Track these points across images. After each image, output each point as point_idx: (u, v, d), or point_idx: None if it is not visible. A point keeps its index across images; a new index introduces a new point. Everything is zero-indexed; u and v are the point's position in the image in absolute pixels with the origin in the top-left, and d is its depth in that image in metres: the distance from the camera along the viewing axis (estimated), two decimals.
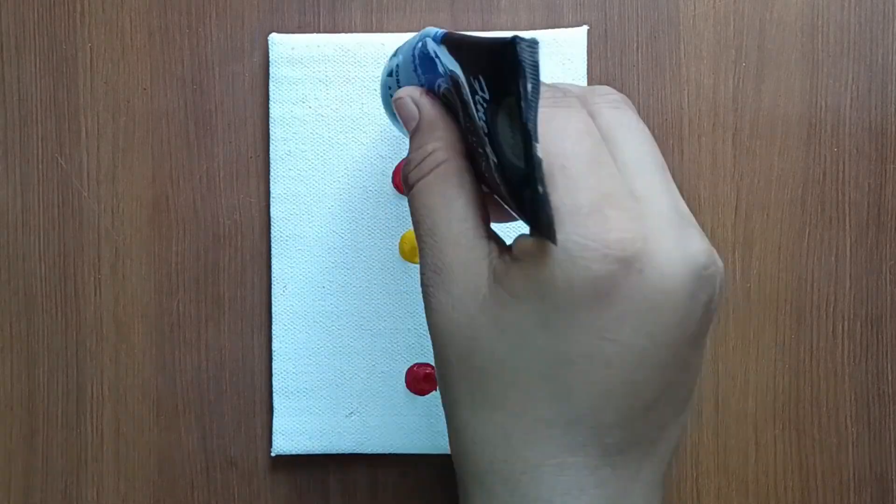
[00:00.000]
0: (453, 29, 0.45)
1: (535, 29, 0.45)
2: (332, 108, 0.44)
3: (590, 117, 0.29)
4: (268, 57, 0.45)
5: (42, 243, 0.45)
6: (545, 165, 0.26)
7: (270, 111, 0.44)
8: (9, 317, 0.45)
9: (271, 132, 0.44)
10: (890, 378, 0.46)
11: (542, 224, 0.27)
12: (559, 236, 0.26)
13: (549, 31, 0.44)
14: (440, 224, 0.30)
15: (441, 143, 0.31)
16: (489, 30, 0.45)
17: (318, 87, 0.44)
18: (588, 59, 0.45)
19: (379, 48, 0.44)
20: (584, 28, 0.44)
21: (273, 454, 0.45)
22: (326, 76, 0.44)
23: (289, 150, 0.44)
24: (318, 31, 0.45)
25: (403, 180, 0.32)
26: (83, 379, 0.46)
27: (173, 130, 0.46)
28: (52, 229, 0.45)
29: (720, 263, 0.28)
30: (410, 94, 0.33)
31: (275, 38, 0.44)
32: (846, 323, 0.46)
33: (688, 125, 0.46)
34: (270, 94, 0.44)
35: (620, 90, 0.45)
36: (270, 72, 0.44)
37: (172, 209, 0.45)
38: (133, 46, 0.45)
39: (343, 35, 0.44)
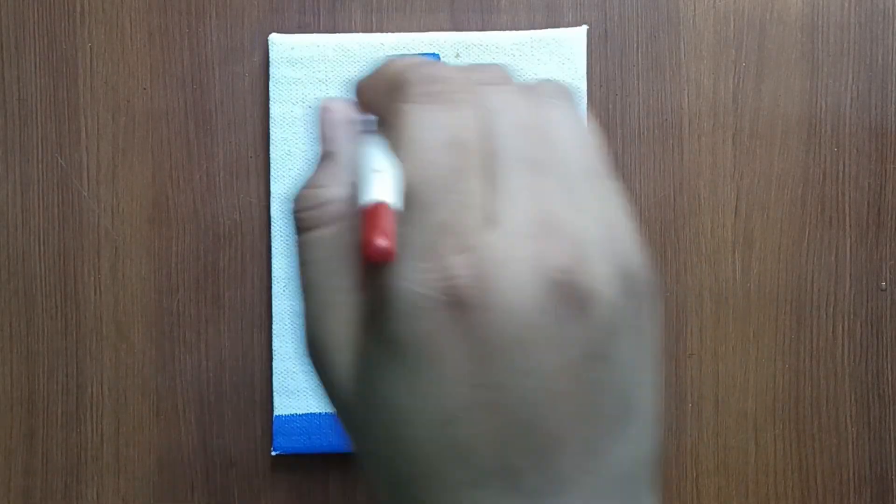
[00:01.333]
0: (453, 29, 0.45)
1: (535, 29, 0.45)
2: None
3: (475, 113, 0.26)
4: (268, 57, 0.45)
5: (42, 243, 0.45)
6: (408, 183, 0.25)
7: (270, 111, 0.44)
8: (9, 316, 0.45)
9: (271, 132, 0.44)
10: (889, 378, 0.46)
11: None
12: (394, 282, 0.24)
13: (549, 31, 0.44)
14: (325, 290, 0.27)
15: (345, 190, 0.28)
16: (489, 29, 0.45)
17: (318, 88, 0.44)
18: (588, 59, 0.45)
19: (379, 48, 0.44)
20: (584, 28, 0.44)
21: (273, 453, 0.45)
22: (326, 76, 0.44)
23: (289, 150, 0.44)
24: (318, 32, 0.45)
25: (294, 210, 0.29)
26: (83, 378, 0.46)
27: (173, 130, 0.46)
28: (52, 229, 0.45)
29: (593, 266, 0.25)
30: (344, 114, 0.30)
31: (275, 39, 0.44)
32: (846, 323, 0.46)
33: (688, 125, 0.46)
34: (270, 94, 0.44)
35: (620, 90, 0.45)
36: (270, 72, 0.44)
37: (172, 209, 0.45)
38: (133, 46, 0.45)
39: (343, 35, 0.44)
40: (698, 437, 0.45)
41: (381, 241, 0.23)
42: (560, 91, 0.28)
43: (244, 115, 0.46)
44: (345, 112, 0.30)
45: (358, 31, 0.45)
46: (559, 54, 0.44)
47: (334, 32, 0.45)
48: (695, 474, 0.45)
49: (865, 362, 0.46)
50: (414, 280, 0.24)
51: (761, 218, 0.46)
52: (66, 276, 0.46)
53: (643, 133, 0.45)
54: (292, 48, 0.44)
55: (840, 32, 0.46)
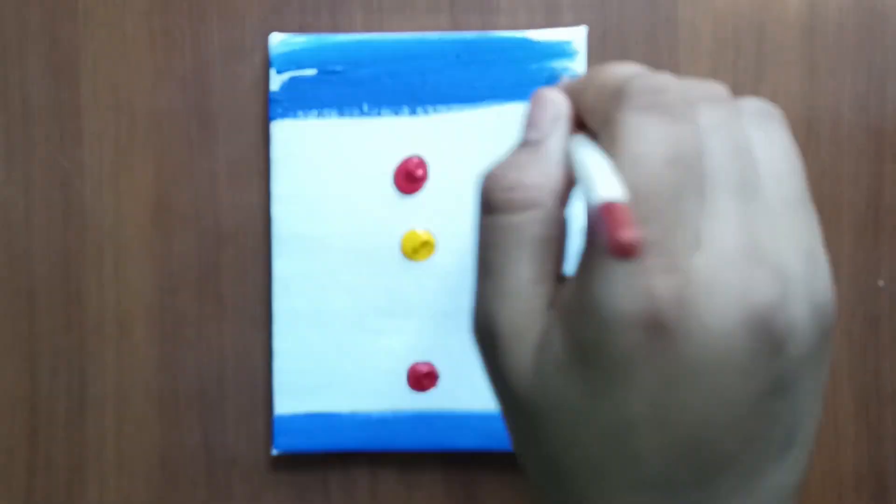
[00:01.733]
0: (453, 29, 0.46)
1: (535, 29, 0.45)
2: (332, 108, 0.44)
3: (693, 128, 0.25)
4: (268, 57, 0.45)
5: (44, 243, 0.46)
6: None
7: (271, 111, 0.45)
8: (11, 316, 0.46)
9: (272, 132, 0.45)
10: (888, 377, 0.46)
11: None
12: (598, 292, 0.24)
13: (549, 30, 0.44)
14: (509, 277, 0.27)
15: (545, 180, 0.27)
16: (489, 29, 0.45)
17: (319, 88, 0.44)
18: (588, 59, 0.45)
19: (379, 48, 0.44)
20: (584, 28, 0.45)
21: (274, 452, 0.45)
22: (326, 77, 0.44)
23: (290, 151, 0.44)
24: (319, 32, 0.45)
25: (486, 189, 0.28)
26: (85, 378, 0.46)
27: (175, 130, 0.46)
28: (55, 229, 0.46)
29: (794, 303, 0.25)
30: (559, 106, 0.29)
31: (276, 39, 0.44)
32: (844, 321, 0.46)
33: None
34: (271, 94, 0.45)
35: None
36: (270, 72, 0.45)
37: (174, 209, 0.46)
38: (134, 47, 0.46)
39: (344, 35, 0.45)
40: None
41: (630, 234, 0.23)
42: (769, 112, 0.28)
43: (245, 115, 0.46)
44: (560, 104, 0.29)
45: (359, 31, 0.45)
46: (559, 54, 0.44)
47: (335, 32, 0.45)
48: None
49: (863, 361, 0.46)
50: (618, 294, 0.24)
51: None
52: (69, 276, 0.46)
53: None
54: (292, 48, 0.44)
55: (839, 33, 0.46)
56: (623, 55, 0.45)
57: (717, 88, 0.27)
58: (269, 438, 0.46)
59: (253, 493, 0.46)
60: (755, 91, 0.46)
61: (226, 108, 0.46)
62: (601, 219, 0.23)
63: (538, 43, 0.44)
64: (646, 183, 0.24)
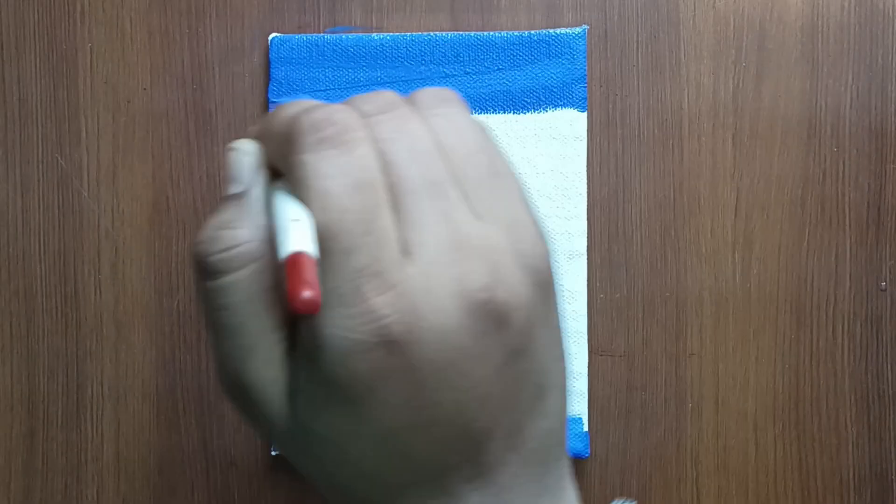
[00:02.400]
0: (453, 29, 0.45)
1: (535, 29, 0.45)
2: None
3: (370, 148, 0.26)
4: (268, 57, 0.45)
5: (42, 243, 0.45)
6: (322, 233, 0.25)
7: (270, 111, 0.44)
8: (9, 317, 0.46)
9: None
10: (889, 378, 0.46)
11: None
12: (325, 330, 0.25)
13: (549, 31, 0.44)
14: (246, 334, 0.27)
15: (256, 232, 0.27)
16: (489, 29, 0.45)
17: (317, 88, 0.44)
18: (588, 59, 0.45)
19: (378, 49, 0.44)
20: (584, 28, 0.44)
21: (273, 454, 0.45)
22: (326, 77, 0.44)
23: None
24: (318, 32, 0.45)
25: (200, 255, 0.27)
26: (83, 379, 0.46)
27: (173, 130, 0.46)
28: (53, 229, 0.45)
29: (507, 276, 0.26)
30: (254, 156, 0.29)
31: (275, 39, 0.44)
32: (846, 323, 0.46)
33: (688, 125, 0.46)
34: (270, 94, 0.44)
35: (620, 90, 0.45)
36: (270, 72, 0.44)
37: (172, 209, 0.45)
38: (133, 46, 0.46)
39: (343, 35, 0.44)
40: (698, 438, 0.45)
41: (307, 293, 0.23)
42: (442, 97, 0.28)
43: (244, 115, 0.46)
44: (254, 154, 0.29)
45: (358, 31, 0.45)
46: (559, 54, 0.44)
47: (334, 32, 0.45)
48: (695, 474, 0.45)
49: (865, 362, 0.46)
50: (344, 326, 0.25)
51: (761, 218, 0.46)
52: (67, 277, 0.46)
53: (643, 133, 0.45)
54: (292, 48, 0.44)
55: (840, 33, 0.46)
56: (623, 55, 0.45)
57: (386, 96, 0.28)
58: (269, 440, 0.46)
59: (252, 495, 0.46)
60: (757, 90, 0.45)
61: (225, 107, 0.46)
62: (285, 275, 0.24)
63: (538, 43, 0.44)
64: (337, 216, 0.25)
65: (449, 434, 0.26)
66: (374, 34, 0.44)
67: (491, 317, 0.26)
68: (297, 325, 0.27)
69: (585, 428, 0.44)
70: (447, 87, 0.29)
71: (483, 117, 0.44)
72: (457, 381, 0.26)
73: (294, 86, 0.44)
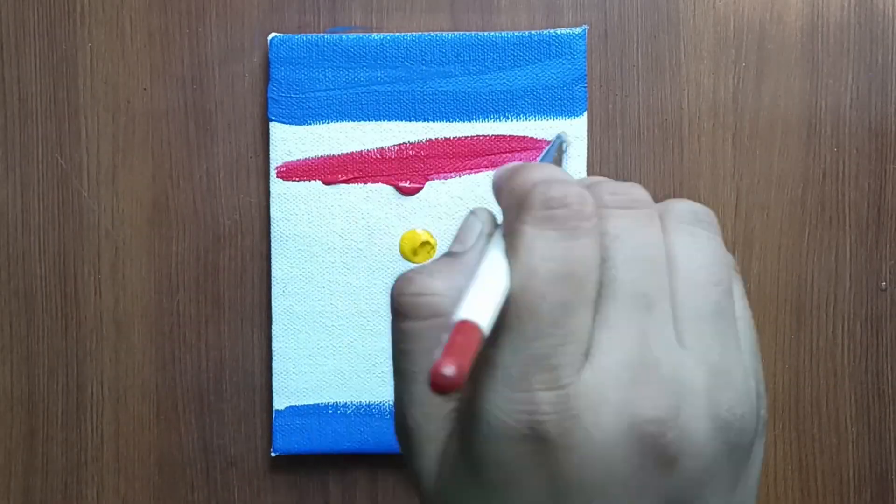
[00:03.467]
0: (453, 29, 0.45)
1: (535, 29, 0.45)
2: (331, 109, 0.44)
3: (594, 240, 0.25)
4: (268, 57, 0.45)
5: (42, 243, 0.45)
6: (511, 307, 0.24)
7: (270, 111, 0.44)
8: (9, 317, 0.45)
9: (271, 132, 0.44)
10: (890, 378, 0.46)
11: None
12: (483, 405, 0.24)
13: (549, 31, 0.44)
14: (417, 385, 0.27)
15: (454, 289, 0.27)
16: (489, 29, 0.45)
17: (318, 88, 0.44)
18: (588, 59, 0.45)
19: (378, 49, 0.44)
20: (584, 28, 0.44)
21: (273, 454, 0.45)
22: (326, 76, 0.44)
23: (288, 151, 0.44)
24: (318, 32, 0.45)
25: (394, 293, 0.28)
26: (83, 379, 0.46)
27: (173, 130, 0.46)
28: (52, 229, 0.45)
29: (687, 419, 0.24)
30: (486, 224, 0.29)
31: (275, 39, 0.44)
32: (846, 323, 0.46)
33: (688, 125, 0.46)
34: (270, 94, 0.44)
35: (620, 90, 0.45)
36: (270, 72, 0.44)
37: (172, 209, 0.45)
38: (133, 46, 0.45)
39: (343, 35, 0.44)
40: None
41: (450, 370, 0.22)
42: (697, 216, 0.27)
43: (244, 115, 0.46)
44: (486, 222, 0.29)
45: (358, 31, 0.45)
46: (559, 54, 0.44)
47: (334, 32, 0.45)
48: None
49: (865, 362, 0.46)
50: (502, 408, 0.24)
51: (761, 218, 0.46)
52: (66, 277, 0.46)
53: (643, 133, 0.45)
54: (292, 48, 0.44)
55: (840, 33, 0.46)
56: (623, 55, 0.45)
57: (636, 192, 0.27)
58: (268, 439, 0.45)
59: (252, 495, 0.46)
60: (757, 90, 0.45)
61: (224, 107, 0.46)
62: (443, 345, 0.23)
63: (538, 43, 0.44)
64: (534, 299, 0.24)
65: None
66: (373, 34, 0.44)
67: (655, 453, 0.24)
68: (465, 388, 0.26)
69: None
70: (709, 210, 0.27)
71: (479, 124, 0.44)
72: (604, 500, 0.24)
73: (294, 86, 0.44)
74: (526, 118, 0.44)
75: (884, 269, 0.46)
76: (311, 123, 0.44)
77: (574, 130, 0.44)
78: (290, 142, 0.44)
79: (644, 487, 0.24)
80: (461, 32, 0.44)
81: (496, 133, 0.44)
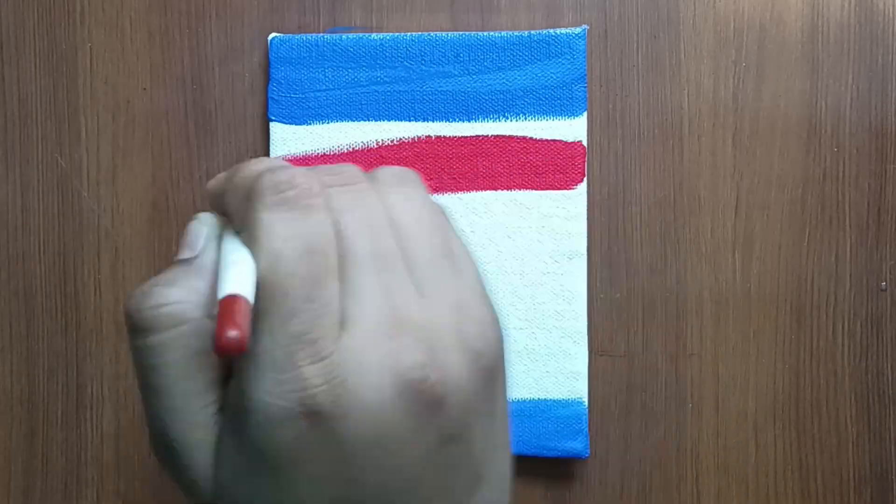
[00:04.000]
0: (453, 29, 0.45)
1: (535, 29, 0.45)
2: (331, 108, 0.44)
3: (326, 216, 0.26)
4: (268, 57, 0.45)
5: (42, 243, 0.45)
6: (262, 293, 0.25)
7: (270, 111, 0.44)
8: (8, 317, 0.46)
9: (271, 132, 0.44)
10: (890, 378, 0.46)
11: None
12: (253, 394, 0.25)
13: (549, 31, 0.44)
14: (174, 395, 0.27)
15: (193, 294, 0.27)
16: (489, 29, 0.45)
17: (317, 88, 0.44)
18: (588, 59, 0.45)
19: (378, 49, 0.44)
20: (584, 28, 0.44)
21: None
22: (326, 76, 0.44)
23: (288, 151, 0.44)
24: (318, 32, 0.45)
25: (130, 311, 0.27)
26: (83, 378, 0.46)
27: (173, 130, 0.46)
28: (52, 229, 0.45)
29: (444, 358, 0.25)
30: (211, 227, 0.29)
31: (275, 39, 0.44)
32: (846, 323, 0.46)
33: (688, 125, 0.46)
34: (270, 94, 0.44)
35: (620, 90, 0.45)
36: (270, 72, 0.44)
37: (172, 209, 0.45)
38: (133, 46, 0.46)
39: (343, 35, 0.44)
40: (698, 438, 0.45)
41: (233, 333, 0.23)
42: (402, 176, 0.28)
43: (244, 115, 0.46)
44: (212, 226, 0.29)
45: (358, 31, 0.45)
46: (559, 54, 0.44)
47: (334, 32, 0.45)
48: (695, 474, 0.45)
49: (866, 362, 0.46)
50: (272, 392, 0.24)
51: (761, 218, 0.46)
52: (66, 277, 0.46)
53: (643, 133, 0.45)
54: (292, 48, 0.44)
55: (840, 33, 0.46)
56: (623, 55, 0.45)
57: (349, 170, 0.28)
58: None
59: None
60: (757, 90, 0.45)
61: (224, 107, 0.46)
62: (218, 316, 0.24)
63: (538, 43, 0.44)
64: (282, 279, 0.25)
65: None
66: (373, 34, 0.44)
67: (423, 398, 0.25)
68: (228, 388, 0.27)
69: (585, 428, 0.44)
70: (409, 169, 0.29)
71: (478, 124, 0.44)
72: (383, 461, 0.25)
73: (294, 86, 0.44)
74: (526, 118, 0.44)
75: (884, 269, 0.46)
76: (311, 123, 0.44)
77: (574, 130, 0.44)
78: (290, 141, 0.44)
79: (419, 433, 0.25)
80: (461, 32, 0.44)
81: (496, 133, 0.44)
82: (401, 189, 0.28)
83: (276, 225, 0.26)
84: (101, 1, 0.45)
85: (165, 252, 0.45)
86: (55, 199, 0.45)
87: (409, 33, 0.44)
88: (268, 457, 0.25)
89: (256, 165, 0.28)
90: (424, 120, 0.44)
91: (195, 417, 0.27)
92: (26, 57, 0.45)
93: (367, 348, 0.25)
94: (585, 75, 0.44)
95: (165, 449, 0.28)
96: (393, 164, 0.44)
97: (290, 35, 0.44)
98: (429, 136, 0.44)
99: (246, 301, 0.24)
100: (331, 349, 0.25)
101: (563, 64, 0.44)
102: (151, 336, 0.27)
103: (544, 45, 0.44)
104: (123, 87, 0.45)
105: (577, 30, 0.44)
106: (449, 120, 0.44)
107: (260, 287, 0.25)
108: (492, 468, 0.28)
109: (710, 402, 0.45)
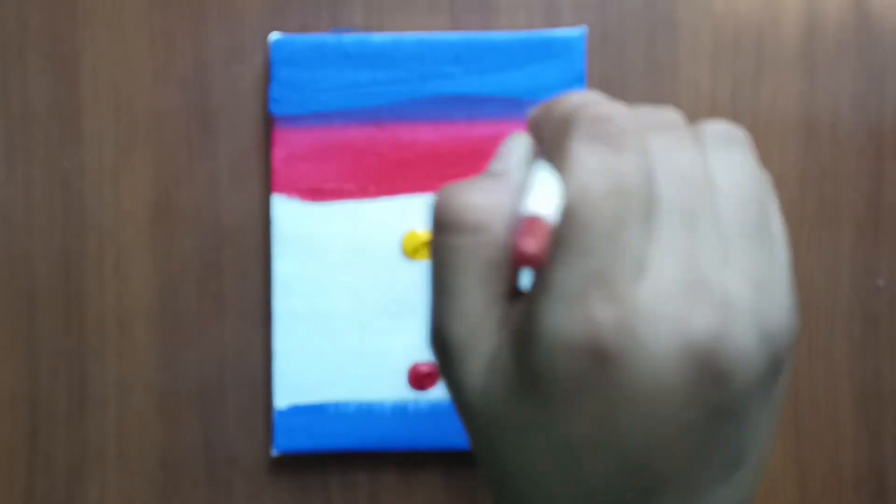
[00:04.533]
0: (453, 29, 0.46)
1: (534, 29, 0.45)
2: (333, 108, 0.44)
3: (640, 157, 0.25)
4: (269, 57, 0.45)
5: (45, 243, 0.46)
6: (565, 222, 0.25)
7: (271, 111, 0.45)
8: (12, 316, 0.46)
9: (273, 132, 0.45)
10: (887, 376, 0.46)
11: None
12: (542, 319, 0.25)
13: (549, 31, 0.44)
14: (462, 298, 0.27)
15: (497, 206, 0.27)
16: (489, 29, 0.45)
17: (319, 88, 0.44)
18: (587, 60, 0.45)
19: (379, 49, 0.44)
20: (584, 28, 0.45)
21: (274, 453, 0.45)
22: (328, 77, 0.44)
23: (290, 151, 0.45)
24: (320, 32, 0.46)
25: (437, 207, 0.28)
26: (86, 378, 0.46)
27: (175, 130, 0.46)
28: (55, 229, 0.46)
29: (737, 334, 0.25)
30: (525, 147, 0.29)
31: (276, 39, 0.45)
32: (844, 322, 0.46)
33: None
34: (271, 94, 0.45)
35: (619, 91, 0.45)
36: (272, 72, 0.45)
37: (174, 209, 0.46)
38: (135, 47, 0.46)
39: (343, 35, 0.45)
40: None
41: (533, 245, 0.23)
42: (731, 136, 0.27)
43: (246, 115, 0.46)
44: (526, 147, 0.29)
45: (359, 31, 0.45)
46: (558, 55, 0.44)
47: (335, 32, 0.45)
48: None
49: (863, 360, 0.46)
50: (561, 322, 0.25)
51: None
52: (69, 276, 0.46)
53: None
54: (294, 49, 0.44)
55: (837, 34, 0.46)
56: (623, 55, 0.46)
57: (671, 115, 0.27)
58: (269, 438, 0.46)
59: (253, 493, 0.46)
60: (755, 91, 0.46)
61: (226, 108, 0.46)
62: (519, 229, 0.24)
63: (537, 43, 0.44)
64: (588, 213, 0.25)
65: (626, 468, 0.26)
66: (374, 34, 0.45)
67: (709, 369, 0.24)
68: (513, 307, 0.27)
69: None
70: (740, 128, 0.28)
71: (479, 124, 0.44)
72: (652, 418, 0.25)
73: (296, 86, 0.44)
74: (526, 118, 0.44)
75: (881, 268, 0.46)
76: (312, 123, 0.45)
77: None
78: (291, 142, 0.45)
79: (694, 401, 0.25)
80: (461, 33, 0.45)
81: (497, 133, 0.45)
82: (726, 148, 0.27)
83: (588, 158, 0.25)
84: (102, 2, 0.46)
85: (168, 251, 0.46)
86: (58, 199, 0.46)
87: (409, 33, 0.45)
88: (542, 383, 0.25)
89: (578, 97, 0.28)
90: (425, 120, 0.45)
91: (479, 324, 0.27)
92: (29, 57, 0.46)
93: (662, 302, 0.24)
94: (584, 76, 0.45)
95: (443, 346, 0.28)
96: (393, 163, 0.45)
97: (292, 35, 0.45)
98: (429, 137, 0.45)
99: (548, 223, 0.24)
100: (625, 294, 0.24)
101: (562, 65, 0.44)
102: (457, 236, 0.27)
103: (543, 45, 0.44)
104: (126, 88, 0.46)
105: (576, 31, 0.45)
106: (449, 120, 0.45)
107: (563, 216, 0.25)
108: (753, 455, 0.27)
109: None
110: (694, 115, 0.46)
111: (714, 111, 0.46)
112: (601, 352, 0.24)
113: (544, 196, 0.25)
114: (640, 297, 0.24)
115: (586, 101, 0.27)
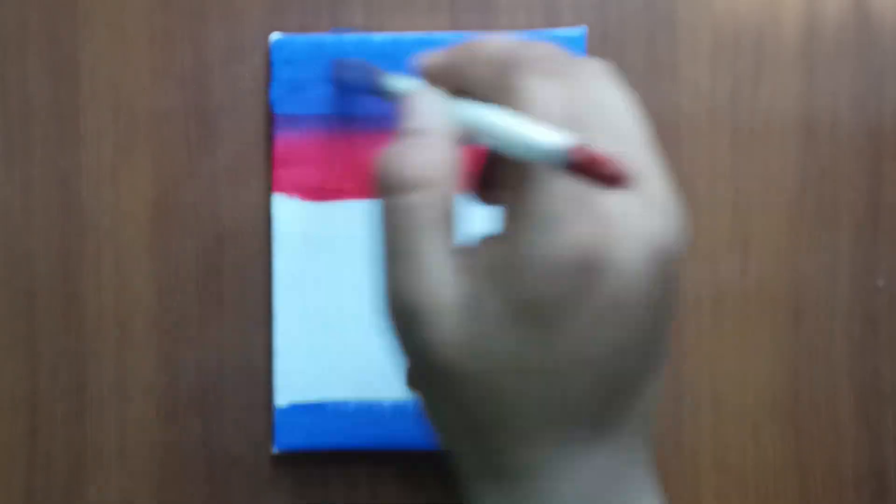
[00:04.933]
0: (453, 29, 0.46)
1: (533, 29, 0.45)
2: (333, 108, 0.44)
3: (580, 88, 0.29)
4: (269, 57, 0.45)
5: (44, 243, 0.46)
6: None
7: (272, 111, 0.45)
8: (10, 317, 0.46)
9: (273, 132, 0.45)
10: (887, 375, 0.46)
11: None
12: (527, 249, 0.27)
13: (549, 31, 0.45)
14: (421, 256, 0.28)
15: (437, 160, 0.29)
16: (489, 29, 0.45)
17: (319, 88, 0.44)
18: None
19: (379, 49, 0.44)
20: (584, 28, 0.45)
21: (275, 451, 0.45)
22: (328, 77, 0.44)
23: (290, 150, 0.45)
24: (319, 32, 0.46)
25: (382, 170, 0.29)
26: (85, 377, 0.46)
27: (175, 130, 0.46)
28: (54, 229, 0.46)
29: (679, 238, 0.28)
30: (437, 99, 0.31)
31: (276, 39, 0.45)
32: (844, 321, 0.46)
33: (685, 126, 0.46)
34: (272, 94, 0.45)
35: None
36: (272, 72, 0.45)
37: (174, 209, 0.46)
38: (134, 47, 0.46)
39: (344, 35, 0.45)
40: (696, 436, 0.46)
41: (616, 165, 0.25)
42: (606, 67, 0.30)
43: (245, 115, 0.46)
44: (439, 96, 0.31)
45: (359, 31, 0.46)
46: None
47: (335, 32, 0.45)
48: (693, 473, 0.46)
49: (863, 360, 0.46)
50: (550, 244, 0.26)
51: (759, 218, 0.46)
52: (68, 276, 0.46)
53: None
54: (294, 49, 0.44)
55: (837, 34, 0.46)
56: (622, 55, 0.46)
57: (555, 49, 0.31)
58: (270, 437, 0.46)
59: (254, 492, 0.46)
60: (754, 91, 0.46)
61: (226, 108, 0.46)
62: (578, 161, 0.25)
63: None
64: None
65: (609, 378, 0.27)
66: (374, 34, 0.45)
67: (665, 270, 0.27)
68: (482, 248, 0.28)
69: None
70: (602, 61, 0.31)
71: None
72: (628, 324, 0.27)
73: (296, 86, 0.44)
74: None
75: (881, 268, 0.46)
76: (312, 123, 0.45)
77: None
78: (292, 141, 0.45)
79: (657, 302, 0.27)
80: (461, 33, 0.45)
81: None
82: (607, 80, 0.30)
83: (545, 91, 0.28)
84: (102, 1, 0.46)
85: (167, 251, 0.46)
86: (57, 198, 0.46)
87: (409, 33, 0.45)
88: (536, 310, 0.27)
89: (499, 39, 0.31)
90: None
91: (440, 277, 0.28)
92: (28, 57, 0.46)
93: (632, 215, 0.27)
94: None
95: (406, 310, 0.29)
96: None
97: (292, 35, 0.45)
98: None
99: (589, 146, 0.26)
100: (600, 210, 0.26)
101: None
102: (404, 195, 0.28)
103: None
104: (125, 87, 0.46)
105: (576, 30, 0.45)
106: None
107: None
108: (668, 343, 0.30)
109: (708, 401, 0.46)
110: (694, 115, 0.46)
111: (713, 111, 0.46)
112: (588, 265, 0.26)
113: (535, 128, 0.27)
114: (615, 211, 0.27)
115: (522, 42, 0.30)
